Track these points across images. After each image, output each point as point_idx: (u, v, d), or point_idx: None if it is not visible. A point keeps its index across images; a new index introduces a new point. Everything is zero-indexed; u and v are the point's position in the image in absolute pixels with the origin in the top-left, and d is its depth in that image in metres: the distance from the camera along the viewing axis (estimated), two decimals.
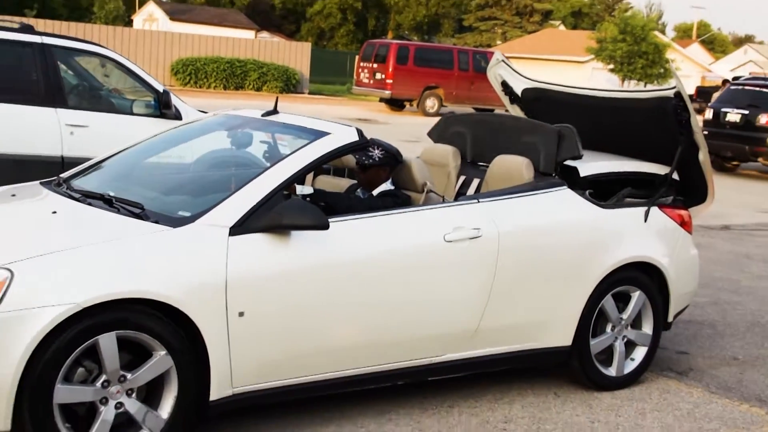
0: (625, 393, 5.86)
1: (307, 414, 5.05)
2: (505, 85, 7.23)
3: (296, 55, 39.45)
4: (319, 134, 5.03)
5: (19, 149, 8.11)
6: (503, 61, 7.20)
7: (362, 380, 4.97)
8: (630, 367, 5.98)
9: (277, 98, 5.82)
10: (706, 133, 20.54)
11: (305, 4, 75.23)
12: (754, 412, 5.74)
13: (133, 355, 4.24)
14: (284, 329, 4.58)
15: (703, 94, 38.36)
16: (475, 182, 6.26)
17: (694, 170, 6.29)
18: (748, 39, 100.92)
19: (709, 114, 21.29)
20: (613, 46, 46.17)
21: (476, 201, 5.36)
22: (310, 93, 39.08)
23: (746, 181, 20.28)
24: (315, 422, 4.98)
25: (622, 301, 5.90)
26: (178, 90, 32.65)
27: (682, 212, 6.27)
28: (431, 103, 32.45)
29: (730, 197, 15.93)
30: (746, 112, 20.48)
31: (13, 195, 5.19)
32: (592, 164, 6.06)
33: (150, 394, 4.33)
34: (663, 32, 75.32)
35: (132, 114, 8.89)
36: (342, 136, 5.03)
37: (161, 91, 8.91)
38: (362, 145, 5.08)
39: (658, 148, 6.27)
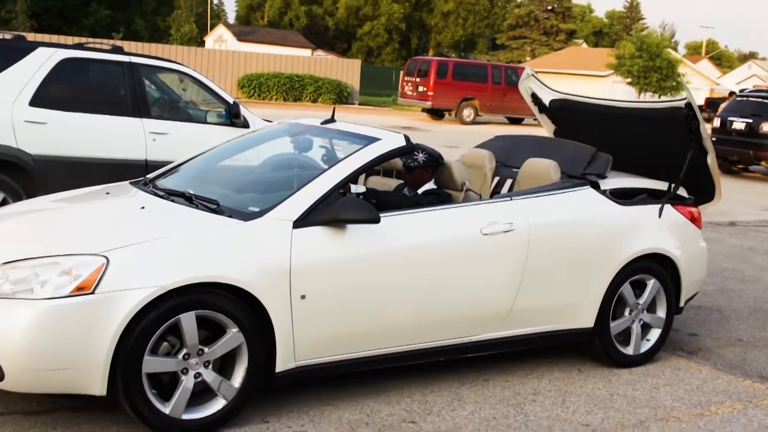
0: (641, 370, 5.84)
1: (360, 385, 5.10)
2: (535, 97, 7.21)
3: (347, 71, 39.49)
4: (371, 140, 5.07)
5: (111, 154, 8.20)
6: (533, 75, 7.19)
7: (408, 356, 5.01)
8: (645, 346, 5.95)
9: (334, 108, 5.88)
10: (714, 139, 20.32)
11: (356, 26, 75.44)
12: (756, 387, 5.69)
13: (210, 332, 4.30)
14: (340, 310, 4.62)
15: (712, 104, 37.76)
16: (508, 182, 6.27)
17: (703, 172, 6.24)
18: (752, 55, 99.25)
19: (717, 122, 21.05)
20: (630, 62, 45.65)
21: (509, 199, 5.37)
22: (359, 104, 39.10)
23: (751, 183, 20.01)
24: (366, 392, 5.03)
25: (638, 288, 5.87)
26: (243, 102, 32.81)
27: (693, 209, 6.23)
28: (468, 113, 32.34)
29: (736, 197, 15.74)
30: (750, 120, 20.29)
31: (107, 193, 5.29)
32: (611, 180, 6.03)
33: (224, 366, 4.39)
34: (675, 49, 74.38)
35: (206, 123, 8.95)
36: (391, 141, 5.06)
37: (231, 102, 8.99)
38: (409, 149, 5.11)
39: (671, 152, 6.22)
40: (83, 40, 9.61)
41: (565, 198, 5.56)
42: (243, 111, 9.01)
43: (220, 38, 61.45)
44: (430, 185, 5.57)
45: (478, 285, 5.11)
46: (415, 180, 5.63)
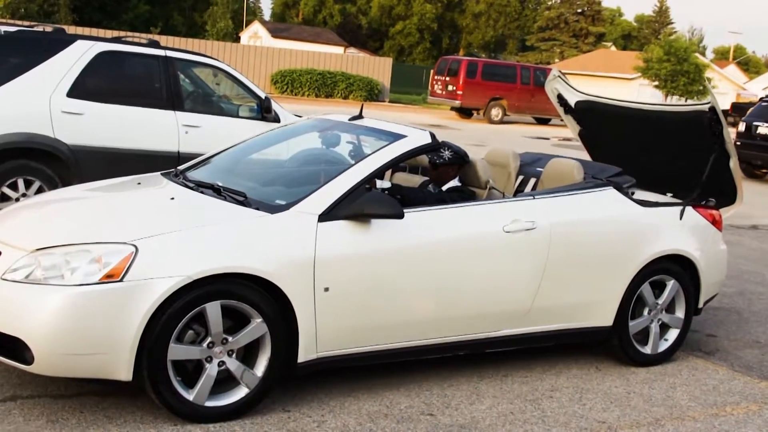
0: (658, 369, 5.78)
1: (380, 377, 5.09)
2: (561, 98, 7.16)
3: (379, 69, 39.46)
4: (397, 137, 5.06)
5: (145, 145, 8.24)
6: (559, 76, 7.13)
7: (429, 350, 4.98)
8: (664, 346, 5.88)
9: (362, 105, 5.87)
10: (738, 143, 20.08)
11: (388, 25, 75.36)
12: None
13: (234, 322, 4.30)
14: (363, 303, 4.61)
15: (738, 109, 37.36)
16: (532, 181, 6.22)
17: (725, 175, 6.16)
18: None
19: (742, 127, 20.76)
20: (658, 66, 45.26)
21: (532, 197, 5.33)
22: (390, 102, 39.06)
23: None
24: (386, 384, 5.02)
25: (658, 288, 5.81)
26: (276, 97, 32.95)
27: (714, 212, 6.15)
28: (496, 112, 32.20)
29: (759, 201, 15.52)
30: None
31: (139, 183, 5.31)
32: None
33: (247, 355, 4.39)
34: (703, 54, 73.67)
35: (238, 117, 8.96)
36: (417, 138, 5.04)
37: (263, 97, 9.00)
38: (434, 146, 5.09)
39: (694, 155, 6.15)
40: (121, 33, 9.64)
41: (587, 198, 5.51)
42: (274, 106, 9.02)
43: (255, 34, 61.59)
44: (454, 182, 5.55)
45: (499, 282, 5.08)
46: (440, 176, 5.61)
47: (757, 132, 20.27)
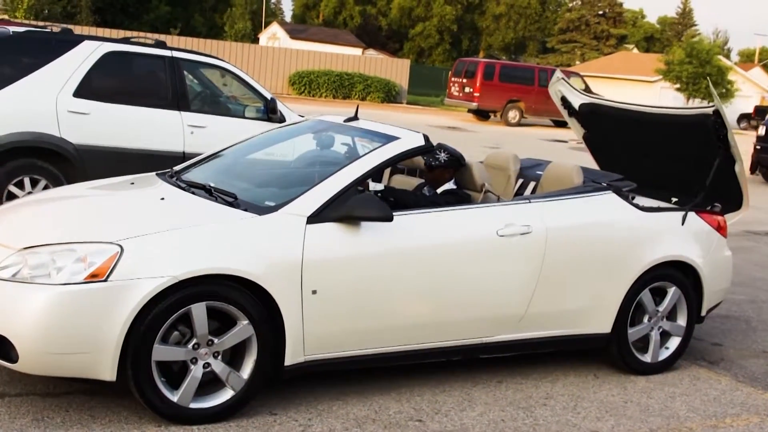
0: (658, 378, 5.69)
1: (370, 382, 5.04)
2: (564, 100, 7.10)
3: (397, 70, 39.46)
4: (390, 138, 5.02)
5: (150, 145, 8.26)
6: (563, 78, 7.07)
7: (419, 355, 4.93)
8: (664, 354, 5.79)
9: (357, 106, 5.83)
10: (758, 147, 19.89)
11: (408, 26, 75.31)
12: None
13: (220, 323, 4.27)
14: (352, 307, 4.57)
15: (761, 112, 37.02)
16: (532, 185, 6.16)
17: (731, 180, 6.07)
18: None
19: (762, 130, 20.53)
20: (679, 68, 44.91)
21: (527, 201, 5.26)
22: (407, 103, 39.03)
23: None
24: (376, 389, 4.97)
25: (659, 295, 5.72)
26: (293, 98, 33.07)
27: (718, 218, 6.06)
28: (513, 115, 32.10)
29: None
30: None
31: (132, 183, 5.30)
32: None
33: (233, 357, 4.36)
34: (728, 57, 73.08)
35: (244, 117, 8.97)
36: (410, 140, 4.99)
37: (269, 98, 8.99)
38: (427, 149, 5.04)
39: (699, 159, 6.07)
40: (130, 34, 9.65)
41: (585, 202, 5.44)
42: (280, 106, 9.02)
43: (274, 36, 61.71)
44: (449, 185, 5.50)
45: (493, 286, 5.02)
46: (436, 179, 5.56)
47: None
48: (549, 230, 5.16)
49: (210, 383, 4.32)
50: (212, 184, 4.87)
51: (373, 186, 5.11)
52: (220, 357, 4.29)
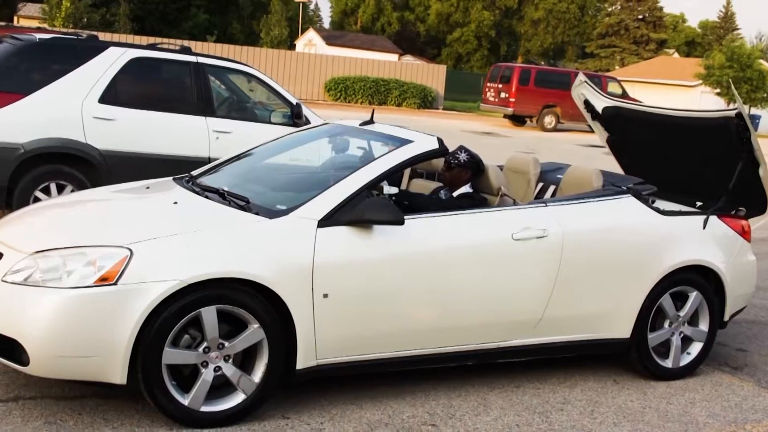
0: (679, 383, 5.61)
1: (386, 385, 5.03)
2: (587, 104, 7.03)
3: (433, 76, 39.38)
4: (404, 142, 5.00)
5: (175, 151, 8.32)
6: (586, 81, 7.00)
7: (433, 359, 4.91)
8: (686, 360, 5.72)
9: (373, 110, 5.83)
10: None
11: (446, 32, 75.26)
12: None
13: (231, 327, 4.28)
14: (363, 311, 4.56)
15: None
16: (551, 188, 6.11)
17: (754, 184, 5.97)
18: None
19: None
20: (720, 72, 44.31)
21: (544, 205, 5.22)
22: (444, 109, 38.98)
23: None
24: (391, 393, 4.96)
25: (680, 300, 5.64)
26: (329, 105, 33.22)
27: (742, 222, 5.96)
28: (549, 120, 31.88)
29: None
30: None
31: (147, 188, 5.34)
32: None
33: (245, 361, 4.37)
34: None
35: (270, 123, 9.01)
36: (424, 143, 4.98)
37: (294, 103, 9.03)
38: (441, 152, 5.01)
39: (722, 163, 5.98)
40: (157, 40, 9.74)
41: (603, 206, 5.38)
42: (305, 111, 9.05)
43: (310, 42, 62.01)
44: (465, 189, 5.47)
45: (508, 290, 4.98)
46: (453, 179, 5.53)
47: None
48: (566, 234, 5.11)
49: (221, 387, 4.33)
50: (226, 188, 4.89)
51: (387, 189, 5.11)
52: (231, 360, 4.30)
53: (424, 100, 37.70)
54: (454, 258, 4.79)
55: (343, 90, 36.62)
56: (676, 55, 77.39)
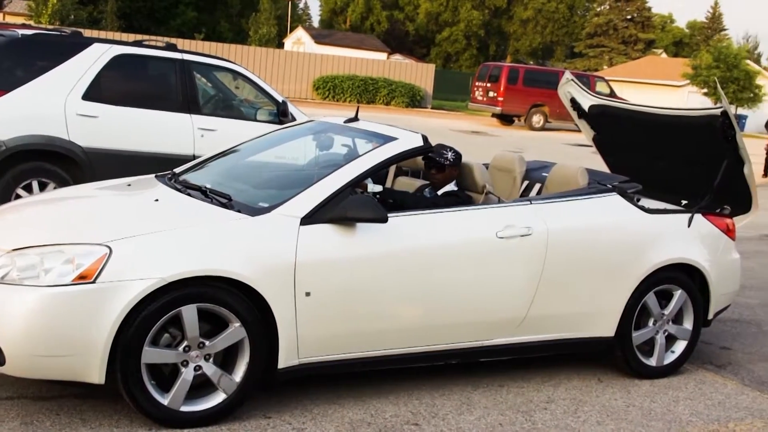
0: (663, 382, 5.59)
1: (369, 385, 4.99)
2: (574, 102, 7.00)
3: (421, 75, 39.36)
4: (388, 139, 4.96)
5: (160, 148, 8.25)
6: (572, 80, 6.98)
7: (416, 358, 4.87)
8: (670, 358, 5.70)
9: (357, 108, 5.79)
10: None
11: (435, 31, 75.24)
12: None
13: (212, 325, 4.23)
14: (346, 309, 4.51)
15: None
16: (537, 186, 6.08)
17: (739, 183, 5.95)
18: None
19: None
20: (707, 73, 44.43)
21: (529, 203, 5.19)
22: (432, 108, 38.96)
23: None
24: (375, 392, 4.92)
25: (664, 298, 5.62)
26: (318, 103, 33.15)
27: (727, 220, 5.95)
28: (537, 119, 31.92)
29: None
30: None
31: (129, 185, 5.28)
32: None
33: (226, 360, 4.32)
34: (757, 61, 72.17)
35: (255, 120, 8.94)
36: (408, 141, 4.94)
37: (280, 101, 8.97)
38: (426, 149, 4.98)
39: (707, 161, 5.96)
40: (138, 37, 9.64)
41: (588, 204, 5.36)
42: (291, 109, 8.99)
43: (299, 41, 61.85)
44: (450, 187, 5.44)
45: (491, 289, 4.94)
46: (446, 178, 5.50)
47: None
48: (550, 232, 5.08)
49: (202, 386, 4.28)
50: (208, 186, 4.84)
51: (372, 187, 5.07)
52: (211, 360, 4.25)
53: (413, 99, 37.67)
54: (438, 256, 4.75)
55: (331, 89, 36.54)
56: (664, 55, 77.59)
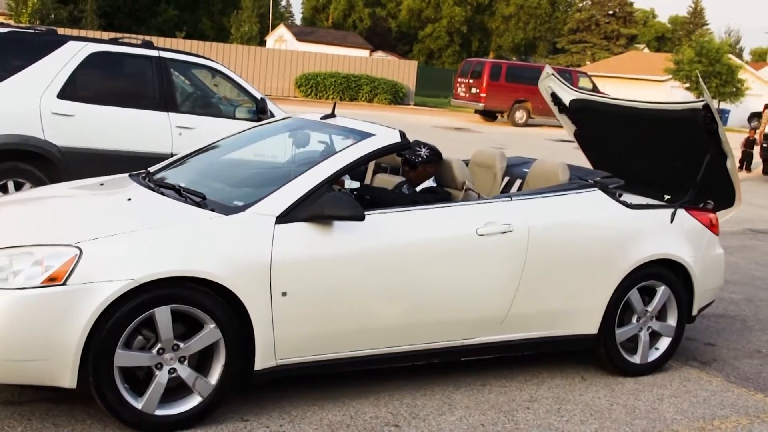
0: (647, 379, 5.53)
1: (350, 386, 4.91)
2: (555, 96, 6.94)
3: (404, 72, 39.28)
4: (365, 135, 4.88)
5: (137, 147, 8.14)
6: (552, 74, 6.92)
7: (397, 358, 4.79)
8: (654, 355, 5.64)
9: (334, 104, 5.71)
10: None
11: (417, 28, 75.13)
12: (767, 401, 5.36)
13: (187, 327, 4.15)
14: (324, 309, 4.43)
15: None
16: (518, 183, 6.02)
17: (722, 177, 5.91)
18: None
19: None
20: (689, 67, 44.58)
21: (509, 199, 5.12)
22: (415, 105, 38.87)
23: None
24: (355, 393, 4.84)
25: (648, 294, 5.56)
26: (300, 101, 33.00)
27: (710, 215, 5.90)
28: (520, 115, 31.91)
29: None
30: None
31: (101, 184, 5.18)
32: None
33: (201, 362, 4.23)
34: (739, 56, 72.53)
35: (234, 118, 8.84)
36: (385, 137, 4.85)
37: (259, 98, 8.88)
38: (403, 146, 4.89)
39: (690, 155, 5.92)
40: (117, 35, 9.51)
41: (569, 199, 5.29)
42: (270, 106, 8.90)
43: (281, 38, 61.56)
44: (429, 183, 5.36)
45: (472, 287, 4.87)
46: (419, 176, 5.42)
47: None
48: (531, 228, 5.01)
49: (176, 389, 4.19)
50: (182, 185, 4.75)
51: (349, 184, 4.99)
52: (186, 362, 4.16)
53: (396, 96, 37.58)
54: (417, 254, 4.67)
55: (314, 86, 36.38)
56: (646, 50, 77.90)
